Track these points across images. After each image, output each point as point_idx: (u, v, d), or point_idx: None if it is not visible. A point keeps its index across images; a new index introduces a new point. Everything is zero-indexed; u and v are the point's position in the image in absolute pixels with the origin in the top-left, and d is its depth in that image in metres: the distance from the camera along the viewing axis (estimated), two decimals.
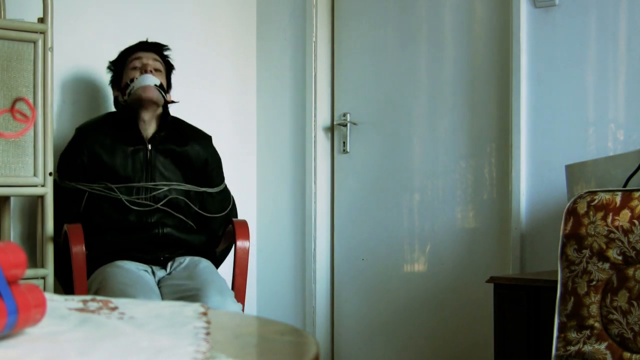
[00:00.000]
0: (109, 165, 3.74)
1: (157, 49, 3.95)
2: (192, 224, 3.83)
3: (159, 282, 3.67)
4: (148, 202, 3.73)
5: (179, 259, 3.74)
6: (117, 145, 3.77)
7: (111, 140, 3.78)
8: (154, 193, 3.75)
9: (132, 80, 3.81)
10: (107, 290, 3.42)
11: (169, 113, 3.90)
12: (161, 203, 3.74)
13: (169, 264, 3.73)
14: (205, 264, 3.73)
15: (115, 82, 3.93)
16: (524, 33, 3.94)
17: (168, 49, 3.99)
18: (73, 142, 3.84)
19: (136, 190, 3.74)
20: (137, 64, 3.84)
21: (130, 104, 3.80)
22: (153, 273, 3.70)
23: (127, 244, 3.69)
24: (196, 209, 3.84)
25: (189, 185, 3.84)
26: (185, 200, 3.81)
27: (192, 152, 3.89)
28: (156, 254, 3.72)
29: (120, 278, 3.51)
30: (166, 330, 1.40)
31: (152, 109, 3.80)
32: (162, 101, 3.83)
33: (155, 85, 3.79)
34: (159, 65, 3.90)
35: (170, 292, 3.56)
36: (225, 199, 4.01)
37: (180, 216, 3.77)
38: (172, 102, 3.95)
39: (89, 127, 3.86)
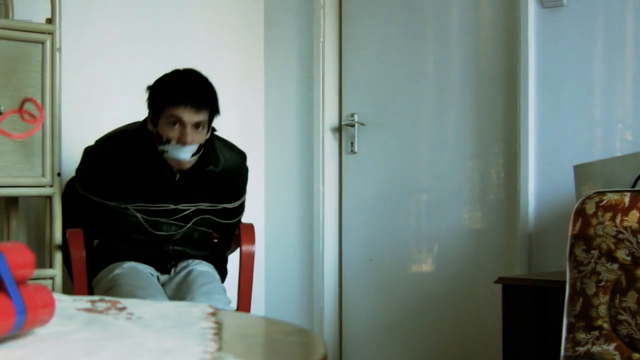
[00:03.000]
0: (131, 184, 3.55)
1: (204, 105, 3.42)
2: (210, 238, 3.78)
3: (162, 286, 3.66)
4: (168, 233, 3.65)
5: (181, 263, 3.70)
6: (140, 165, 3.50)
7: (135, 159, 3.51)
8: (178, 215, 3.61)
9: (167, 141, 3.39)
10: (117, 290, 3.40)
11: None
12: (183, 229, 3.65)
13: (173, 269, 3.71)
14: (202, 268, 3.67)
15: (150, 112, 3.49)
16: (532, 33, 3.93)
17: (216, 103, 3.49)
18: (94, 157, 3.64)
19: (156, 212, 3.59)
20: (174, 120, 3.37)
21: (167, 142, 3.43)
22: (157, 277, 3.69)
23: (135, 254, 3.65)
24: (215, 219, 3.76)
25: (208, 205, 3.67)
26: (210, 217, 3.71)
27: (222, 175, 3.61)
28: (163, 263, 3.70)
29: (129, 279, 3.50)
30: (173, 330, 1.40)
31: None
32: (202, 131, 3.45)
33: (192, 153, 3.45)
34: (202, 118, 3.40)
35: (168, 296, 3.56)
36: (242, 209, 3.93)
37: (204, 228, 3.72)
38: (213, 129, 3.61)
39: (111, 142, 3.61)
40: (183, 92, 3.38)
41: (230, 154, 3.68)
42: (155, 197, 3.55)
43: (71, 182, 3.74)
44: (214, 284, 3.58)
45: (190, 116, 3.35)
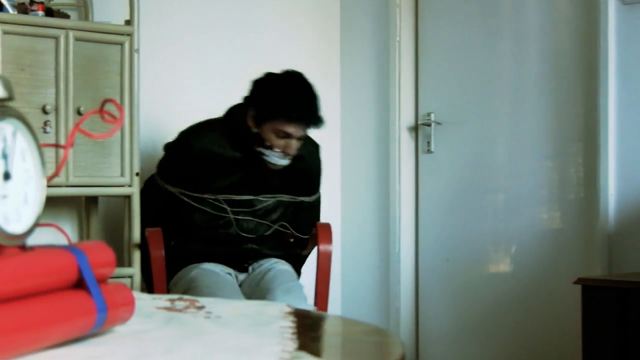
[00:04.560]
0: (213, 173, 3.62)
1: (315, 124, 3.57)
2: (287, 234, 3.79)
3: (240, 285, 3.67)
4: (249, 227, 3.69)
5: (259, 262, 3.72)
6: (224, 155, 3.59)
7: (219, 149, 3.59)
8: (259, 206, 3.67)
9: (269, 147, 3.52)
10: (195, 292, 3.42)
11: None
12: (269, 231, 3.70)
13: (251, 267, 3.72)
14: (281, 267, 3.69)
15: (254, 111, 3.56)
16: (612, 31, 3.86)
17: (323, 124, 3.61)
18: (178, 147, 3.70)
19: (237, 202, 3.65)
20: (282, 134, 3.50)
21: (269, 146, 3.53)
22: (235, 276, 3.70)
23: (213, 254, 3.67)
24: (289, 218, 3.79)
25: (287, 196, 3.73)
26: (288, 211, 3.77)
27: (301, 163, 3.69)
28: (241, 262, 3.72)
29: (207, 281, 3.52)
30: (252, 329, 1.40)
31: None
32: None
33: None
34: (307, 132, 3.59)
35: (246, 294, 3.56)
36: (318, 206, 3.98)
37: (276, 227, 3.73)
38: None
39: (196, 133, 3.67)
40: (300, 111, 3.52)
41: (306, 141, 3.74)
42: (237, 187, 3.62)
43: (151, 179, 3.78)
44: (294, 282, 3.60)
45: (299, 132, 3.53)
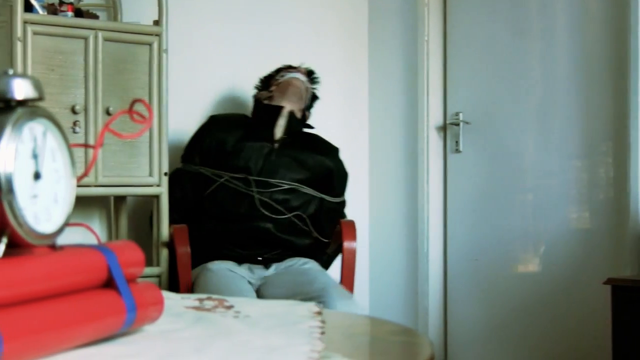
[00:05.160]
0: (233, 154, 3.78)
1: (309, 75, 4.03)
2: (304, 226, 3.80)
3: (262, 281, 3.65)
4: (271, 205, 3.73)
5: (287, 261, 3.73)
6: (244, 138, 3.83)
7: (240, 132, 3.85)
8: (272, 189, 3.75)
9: (281, 76, 3.94)
10: (200, 290, 3.44)
11: (299, 125, 3.95)
12: (284, 216, 3.76)
13: (274, 265, 3.72)
14: (315, 267, 3.71)
15: (261, 88, 4.03)
16: None
17: (318, 79, 4.08)
18: (203, 126, 3.97)
19: (255, 183, 3.74)
20: (283, 80, 3.93)
21: (273, 96, 3.90)
22: (251, 271, 3.69)
23: (227, 235, 3.69)
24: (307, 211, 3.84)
25: (307, 189, 3.82)
26: (302, 201, 3.81)
27: (313, 161, 3.90)
28: (253, 251, 3.72)
29: (210, 281, 3.52)
30: (280, 329, 1.40)
31: (292, 100, 3.89)
32: (304, 95, 3.94)
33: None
34: (305, 87, 3.97)
35: (280, 293, 3.51)
36: (341, 210, 4.01)
37: (290, 216, 3.76)
38: (308, 126, 4.00)
39: (222, 116, 4.01)
40: (292, 66, 4.02)
41: (323, 144, 4.04)
42: (255, 170, 3.76)
43: (174, 173, 3.81)
44: (339, 285, 3.59)
45: (295, 71, 3.94)
